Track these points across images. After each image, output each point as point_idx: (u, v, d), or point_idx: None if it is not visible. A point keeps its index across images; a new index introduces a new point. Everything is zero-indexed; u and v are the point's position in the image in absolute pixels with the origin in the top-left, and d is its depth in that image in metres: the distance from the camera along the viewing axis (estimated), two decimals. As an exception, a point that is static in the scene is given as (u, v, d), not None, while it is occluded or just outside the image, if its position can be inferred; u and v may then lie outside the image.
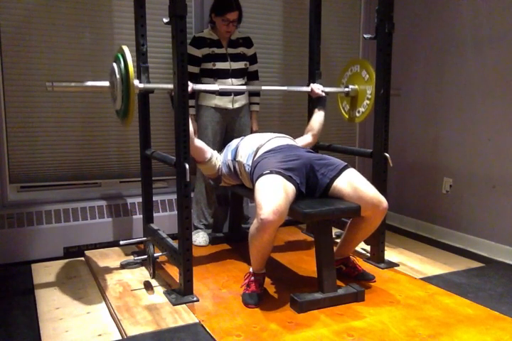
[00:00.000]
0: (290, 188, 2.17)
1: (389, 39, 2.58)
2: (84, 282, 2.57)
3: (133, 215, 3.17)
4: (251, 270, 2.30)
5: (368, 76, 2.81)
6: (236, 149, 2.60)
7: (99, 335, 2.01)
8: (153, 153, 2.60)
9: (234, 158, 2.58)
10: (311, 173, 2.33)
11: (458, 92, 3.22)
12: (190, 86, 2.43)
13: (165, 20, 2.14)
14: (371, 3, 3.72)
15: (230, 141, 2.82)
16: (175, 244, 2.37)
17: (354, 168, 2.42)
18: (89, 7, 2.96)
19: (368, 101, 2.83)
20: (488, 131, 3.03)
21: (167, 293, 2.32)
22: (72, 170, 3.09)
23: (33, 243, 2.89)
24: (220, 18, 2.91)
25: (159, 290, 2.39)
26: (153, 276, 2.49)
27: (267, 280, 2.40)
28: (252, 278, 2.28)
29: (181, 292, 2.28)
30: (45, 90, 2.23)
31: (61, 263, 2.86)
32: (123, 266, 2.70)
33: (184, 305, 2.20)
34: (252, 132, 3.18)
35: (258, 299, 2.21)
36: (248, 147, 2.54)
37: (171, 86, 2.25)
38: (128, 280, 2.53)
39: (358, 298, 2.24)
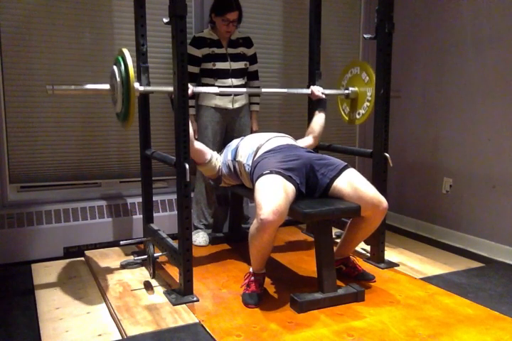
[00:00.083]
0: (290, 188, 2.17)
1: (389, 39, 2.58)
2: (85, 282, 2.57)
3: (133, 215, 3.17)
4: (251, 270, 2.30)
5: (367, 78, 2.81)
6: (236, 149, 2.60)
7: (99, 335, 2.01)
8: (153, 153, 2.60)
9: (234, 158, 2.58)
10: (311, 173, 2.33)
11: (458, 92, 3.22)
12: (191, 88, 2.43)
13: (165, 20, 2.15)
14: (371, 3, 3.72)
15: (230, 141, 2.82)
16: (175, 244, 2.37)
17: (354, 168, 2.42)
18: (89, 7, 2.96)
19: (368, 103, 2.83)
20: (488, 131, 3.03)
21: (167, 293, 2.32)
22: (72, 170, 3.09)
23: (33, 243, 2.89)
24: (220, 18, 2.91)
25: (159, 290, 2.39)
26: (153, 276, 2.49)
27: (267, 280, 2.40)
28: (252, 278, 2.28)
29: (181, 292, 2.28)
30: (45, 91, 2.23)
31: (61, 263, 2.86)
32: (123, 266, 2.70)
33: (184, 305, 2.20)
34: (252, 132, 3.18)
35: (258, 299, 2.21)
36: (248, 147, 2.54)
37: (171, 88, 2.25)
38: (128, 280, 2.53)
39: (358, 298, 2.24)
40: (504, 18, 2.90)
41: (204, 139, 3.05)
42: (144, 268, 2.69)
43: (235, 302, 2.24)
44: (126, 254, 2.92)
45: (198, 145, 2.55)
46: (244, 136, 2.78)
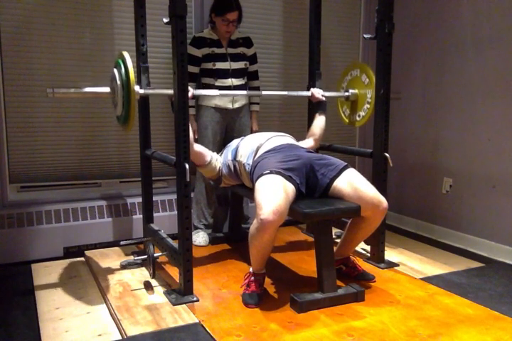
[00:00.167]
0: (290, 188, 2.17)
1: (389, 39, 2.58)
2: (85, 282, 2.57)
3: (133, 215, 3.17)
4: (251, 270, 2.30)
5: (367, 80, 2.81)
6: (236, 149, 2.60)
7: (99, 335, 2.01)
8: (153, 153, 2.60)
9: (234, 158, 2.58)
10: (311, 173, 2.33)
11: (458, 92, 3.22)
12: (191, 91, 2.43)
13: (165, 20, 2.15)
14: (371, 3, 3.72)
15: (230, 141, 2.82)
16: (175, 244, 2.37)
17: (354, 168, 2.42)
18: (89, 7, 2.96)
19: (368, 105, 2.83)
20: (488, 131, 3.03)
21: (167, 293, 2.32)
22: (72, 170, 3.09)
23: (33, 243, 2.89)
24: (220, 18, 2.91)
25: (159, 290, 2.39)
26: (153, 276, 2.49)
27: (267, 280, 2.40)
28: (252, 278, 2.28)
29: (181, 292, 2.28)
30: (45, 92, 2.22)
31: (61, 263, 2.86)
32: (123, 266, 2.70)
33: (184, 305, 2.20)
34: (252, 132, 3.17)
35: (258, 299, 2.21)
36: (248, 146, 2.54)
37: (171, 91, 2.25)
38: (128, 280, 2.53)
39: (358, 298, 2.24)
40: (504, 18, 2.90)
41: (204, 139, 3.05)
42: (144, 268, 2.69)
43: (235, 302, 2.24)
44: (126, 254, 2.92)
45: (197, 147, 2.54)
46: (245, 136, 2.78)
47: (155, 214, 2.90)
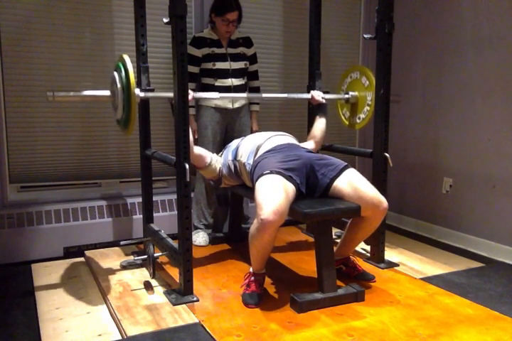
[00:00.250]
0: (290, 188, 2.17)
1: (389, 39, 2.58)
2: (85, 282, 2.57)
3: (133, 215, 3.17)
4: (251, 270, 2.30)
5: (367, 82, 2.82)
6: (236, 149, 2.60)
7: (99, 335, 2.01)
8: (153, 153, 2.60)
9: (234, 158, 2.58)
10: (311, 173, 2.33)
11: (458, 92, 3.22)
12: (191, 94, 2.43)
13: (165, 20, 2.15)
14: (371, 3, 3.72)
15: (230, 141, 2.82)
16: (175, 244, 2.37)
17: (354, 168, 2.42)
18: (89, 7, 2.96)
19: (368, 108, 2.83)
20: (488, 131, 3.03)
21: (167, 293, 2.32)
22: (72, 170, 3.09)
23: (33, 243, 2.89)
24: (220, 18, 2.91)
25: (159, 290, 2.39)
26: (153, 276, 2.49)
27: (267, 280, 2.40)
28: (252, 278, 2.28)
29: (181, 292, 2.28)
30: (45, 95, 2.22)
31: (61, 263, 2.86)
32: (123, 266, 2.70)
33: (184, 305, 2.20)
34: (252, 132, 3.17)
35: (258, 299, 2.21)
36: (248, 146, 2.54)
37: (171, 94, 2.25)
38: (128, 280, 2.53)
39: (358, 298, 2.24)
40: (504, 18, 2.90)
41: (204, 139, 3.05)
42: (144, 268, 2.69)
43: (235, 302, 2.24)
44: (126, 254, 2.92)
45: (197, 150, 2.54)
46: (245, 136, 2.78)
47: (155, 214, 2.90)
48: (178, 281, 2.35)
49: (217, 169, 2.65)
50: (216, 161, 2.65)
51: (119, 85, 2.20)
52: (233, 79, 3.04)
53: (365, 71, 2.86)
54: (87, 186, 3.21)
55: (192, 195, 2.94)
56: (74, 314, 2.20)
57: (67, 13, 2.91)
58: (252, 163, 2.44)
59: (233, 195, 3.08)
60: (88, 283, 2.56)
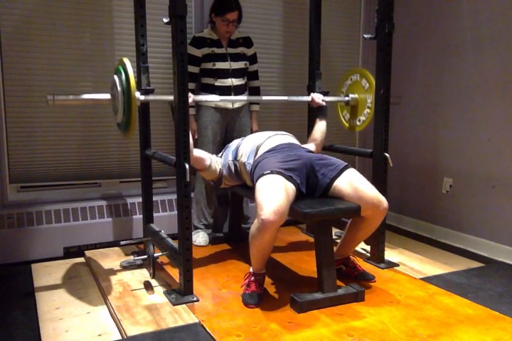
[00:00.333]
0: (290, 188, 2.17)
1: (389, 39, 2.58)
2: (85, 282, 2.57)
3: (133, 215, 3.17)
4: (251, 270, 2.30)
5: (367, 85, 2.82)
6: (237, 149, 2.60)
7: (99, 335, 2.01)
8: (154, 153, 2.60)
9: (235, 158, 2.58)
10: (311, 173, 2.33)
11: (458, 92, 3.22)
12: (191, 97, 2.43)
13: (165, 20, 2.15)
14: (371, 3, 3.72)
15: (230, 141, 2.82)
16: (175, 244, 2.37)
17: (354, 168, 2.42)
18: (89, 7, 2.96)
19: (368, 110, 2.83)
20: (488, 131, 3.03)
21: (167, 293, 2.32)
22: (72, 170, 3.09)
23: (33, 243, 2.89)
24: (220, 18, 2.91)
25: (159, 290, 2.39)
26: (153, 276, 2.49)
27: (267, 280, 2.40)
28: (252, 278, 2.28)
29: (181, 292, 2.28)
30: (45, 96, 2.22)
31: (61, 263, 2.86)
32: (123, 266, 2.70)
33: (184, 305, 2.20)
34: (252, 132, 3.17)
35: (258, 299, 2.21)
36: (249, 145, 2.54)
37: (171, 97, 2.26)
38: (128, 280, 2.53)
39: (358, 298, 2.24)
40: (504, 18, 2.90)
41: (204, 139, 3.05)
42: (144, 268, 2.69)
43: (235, 302, 2.24)
44: (126, 254, 2.92)
45: (196, 152, 2.54)
46: (245, 136, 2.79)
47: (155, 214, 2.90)
48: (178, 281, 2.35)
49: (217, 170, 2.65)
50: (216, 163, 2.65)
51: (119, 89, 2.20)
52: (233, 79, 3.04)
53: (365, 73, 2.86)
54: (87, 186, 3.21)
55: (192, 195, 2.94)
56: (74, 314, 2.20)
57: (67, 13, 2.91)
58: (252, 162, 2.44)
59: (233, 195, 3.08)
60: (88, 283, 2.56)
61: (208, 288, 2.41)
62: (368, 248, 2.83)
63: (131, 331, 1.98)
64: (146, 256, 2.51)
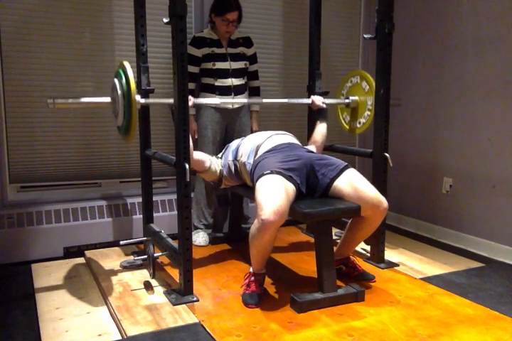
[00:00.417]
0: (290, 188, 2.17)
1: (389, 39, 2.58)
2: (84, 282, 2.57)
3: (133, 215, 3.17)
4: (251, 270, 2.30)
5: (368, 87, 2.82)
6: (237, 149, 2.60)
7: (99, 335, 2.01)
8: (154, 153, 2.60)
9: (235, 158, 2.58)
10: (311, 173, 2.33)
11: (458, 92, 3.22)
12: (192, 100, 2.43)
13: (165, 20, 2.15)
14: (371, 3, 3.72)
15: (230, 141, 2.82)
16: (175, 244, 2.37)
17: (354, 168, 2.42)
18: (89, 7, 2.96)
19: (368, 112, 2.83)
20: (488, 131, 3.03)
21: (167, 293, 2.32)
22: (72, 170, 3.09)
23: (33, 243, 2.89)
24: (220, 18, 2.91)
25: (159, 290, 2.39)
26: (153, 276, 2.49)
27: (267, 280, 2.40)
28: (252, 278, 2.28)
29: (181, 292, 2.28)
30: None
31: (61, 263, 2.86)
32: (123, 266, 2.70)
33: (184, 305, 2.20)
34: (252, 132, 3.17)
35: (258, 299, 2.21)
36: (249, 145, 2.54)
37: (171, 100, 2.26)
38: (128, 280, 2.53)
39: (358, 298, 2.24)
40: (504, 18, 2.89)
41: (204, 139, 3.05)
42: (144, 268, 2.69)
43: (235, 302, 2.24)
44: (126, 254, 2.92)
45: (196, 155, 2.54)
46: (245, 136, 2.79)
47: (155, 214, 2.90)
48: (178, 281, 2.35)
49: (218, 172, 2.65)
50: (216, 164, 2.64)
51: (119, 92, 2.20)
52: (233, 79, 3.04)
53: (365, 75, 2.86)
54: (87, 186, 3.21)
55: (192, 195, 2.94)
56: (74, 314, 2.20)
57: (67, 13, 2.91)
58: (252, 162, 2.44)
59: (233, 195, 3.08)
60: (88, 283, 2.56)
61: (208, 288, 2.41)
62: (368, 248, 2.83)
63: (131, 331, 1.98)
64: (146, 256, 2.51)
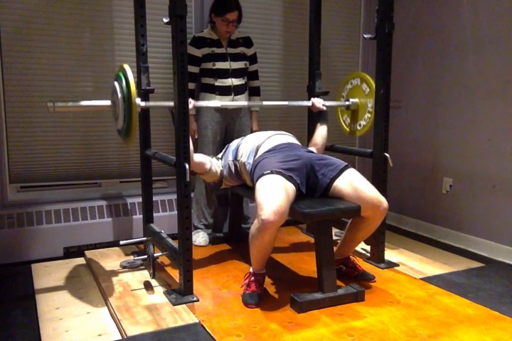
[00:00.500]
0: (290, 188, 2.17)
1: (389, 39, 2.58)
2: (84, 282, 2.57)
3: (133, 215, 3.17)
4: (251, 270, 2.30)
5: (368, 89, 2.81)
6: (237, 149, 2.60)
7: (99, 335, 2.01)
8: (154, 153, 2.60)
9: (235, 158, 2.58)
10: (311, 173, 2.33)
11: (458, 92, 3.22)
12: (192, 103, 2.43)
13: (165, 20, 2.15)
14: (371, 3, 3.72)
15: (230, 141, 2.82)
16: (175, 244, 2.37)
17: (354, 168, 2.42)
18: (89, 7, 2.96)
19: (368, 115, 2.83)
20: (488, 131, 3.03)
21: (167, 293, 2.32)
22: (72, 170, 3.09)
23: (33, 243, 2.89)
24: (220, 18, 2.91)
25: (159, 290, 2.39)
26: (153, 276, 2.49)
27: (267, 280, 2.40)
28: (252, 278, 2.28)
29: (181, 292, 2.28)
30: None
31: (61, 263, 2.86)
32: (123, 266, 2.70)
33: (184, 305, 2.20)
34: (252, 132, 3.17)
35: (258, 299, 2.21)
36: (248, 145, 2.54)
37: (171, 103, 2.26)
38: (128, 280, 2.53)
39: (358, 298, 2.24)
40: (504, 18, 2.89)
41: (204, 139, 3.05)
42: (144, 268, 2.69)
43: (235, 302, 2.24)
44: (126, 254, 2.91)
45: (197, 157, 2.53)
46: (245, 136, 2.78)
47: (155, 214, 2.90)
48: (178, 281, 2.35)
49: (218, 173, 2.64)
50: (216, 165, 2.64)
51: (119, 95, 2.20)
52: (233, 79, 3.04)
53: (365, 78, 2.85)
54: (87, 186, 3.21)
55: (192, 195, 2.94)
56: (74, 314, 2.20)
57: (67, 13, 2.91)
58: (252, 162, 2.44)
59: (233, 195, 3.08)
60: (88, 283, 2.56)
61: (208, 288, 2.41)
62: (368, 248, 2.83)
63: (131, 331, 1.98)
64: (146, 256, 2.51)
